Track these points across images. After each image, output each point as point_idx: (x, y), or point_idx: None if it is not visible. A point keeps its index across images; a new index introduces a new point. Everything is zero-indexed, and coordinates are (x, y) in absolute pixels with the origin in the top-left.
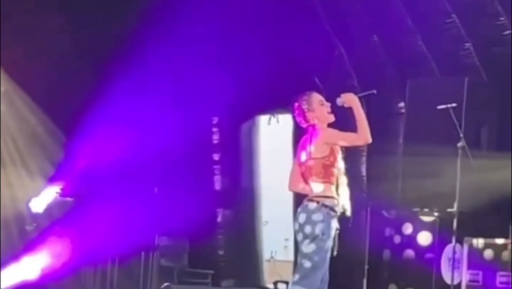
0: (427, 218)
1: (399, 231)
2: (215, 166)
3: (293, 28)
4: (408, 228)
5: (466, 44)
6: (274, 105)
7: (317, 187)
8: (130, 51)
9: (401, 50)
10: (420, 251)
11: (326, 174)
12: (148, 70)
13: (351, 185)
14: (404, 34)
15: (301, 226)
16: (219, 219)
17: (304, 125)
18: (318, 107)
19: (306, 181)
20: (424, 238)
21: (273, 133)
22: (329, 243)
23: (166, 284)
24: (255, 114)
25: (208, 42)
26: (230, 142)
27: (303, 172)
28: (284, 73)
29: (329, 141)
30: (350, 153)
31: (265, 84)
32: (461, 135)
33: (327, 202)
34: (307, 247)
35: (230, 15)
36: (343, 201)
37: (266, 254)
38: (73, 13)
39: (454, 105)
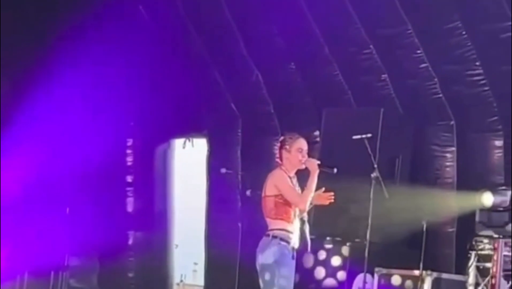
0: (339, 247)
1: (311, 260)
2: (128, 188)
3: (210, 53)
4: (320, 257)
5: (383, 76)
6: (189, 129)
7: (270, 223)
8: (46, 70)
9: (318, 79)
10: (331, 280)
11: (278, 212)
12: (63, 90)
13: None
14: (321, 63)
15: (258, 261)
16: (130, 241)
17: (277, 159)
18: (294, 153)
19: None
20: (336, 267)
21: (187, 157)
22: (287, 273)
23: None
24: (170, 138)
25: (125, 65)
26: (144, 165)
27: (263, 206)
28: (201, 98)
29: (277, 185)
30: (264, 180)
31: (181, 108)
32: (375, 165)
33: (277, 233)
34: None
35: (148, 38)
36: (296, 235)
37: (175, 277)
38: None
39: (369, 135)
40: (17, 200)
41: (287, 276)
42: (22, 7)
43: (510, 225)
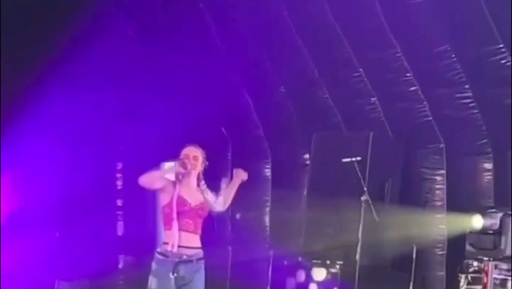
0: (328, 270)
1: (301, 282)
2: (118, 212)
3: (201, 77)
4: (310, 279)
5: (372, 99)
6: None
7: None
8: (36, 93)
9: (308, 102)
10: None
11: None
12: (53, 114)
13: (254, 235)
14: (311, 87)
15: None
16: (120, 265)
17: None
18: None
19: None
20: None
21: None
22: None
23: None
24: (160, 161)
25: (115, 88)
26: (134, 189)
27: None
28: (191, 121)
29: None
30: (253, 203)
31: (171, 131)
32: (365, 188)
33: (159, 248)
34: None
35: (139, 62)
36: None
37: None
38: None
39: (358, 158)
40: (6, 224)
41: None
42: (21, 23)
43: (500, 247)
